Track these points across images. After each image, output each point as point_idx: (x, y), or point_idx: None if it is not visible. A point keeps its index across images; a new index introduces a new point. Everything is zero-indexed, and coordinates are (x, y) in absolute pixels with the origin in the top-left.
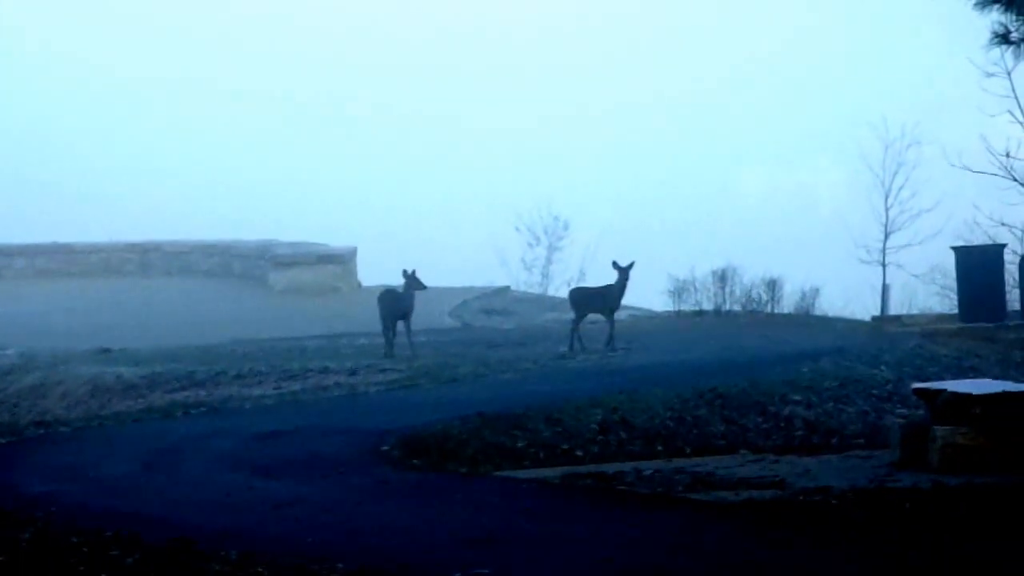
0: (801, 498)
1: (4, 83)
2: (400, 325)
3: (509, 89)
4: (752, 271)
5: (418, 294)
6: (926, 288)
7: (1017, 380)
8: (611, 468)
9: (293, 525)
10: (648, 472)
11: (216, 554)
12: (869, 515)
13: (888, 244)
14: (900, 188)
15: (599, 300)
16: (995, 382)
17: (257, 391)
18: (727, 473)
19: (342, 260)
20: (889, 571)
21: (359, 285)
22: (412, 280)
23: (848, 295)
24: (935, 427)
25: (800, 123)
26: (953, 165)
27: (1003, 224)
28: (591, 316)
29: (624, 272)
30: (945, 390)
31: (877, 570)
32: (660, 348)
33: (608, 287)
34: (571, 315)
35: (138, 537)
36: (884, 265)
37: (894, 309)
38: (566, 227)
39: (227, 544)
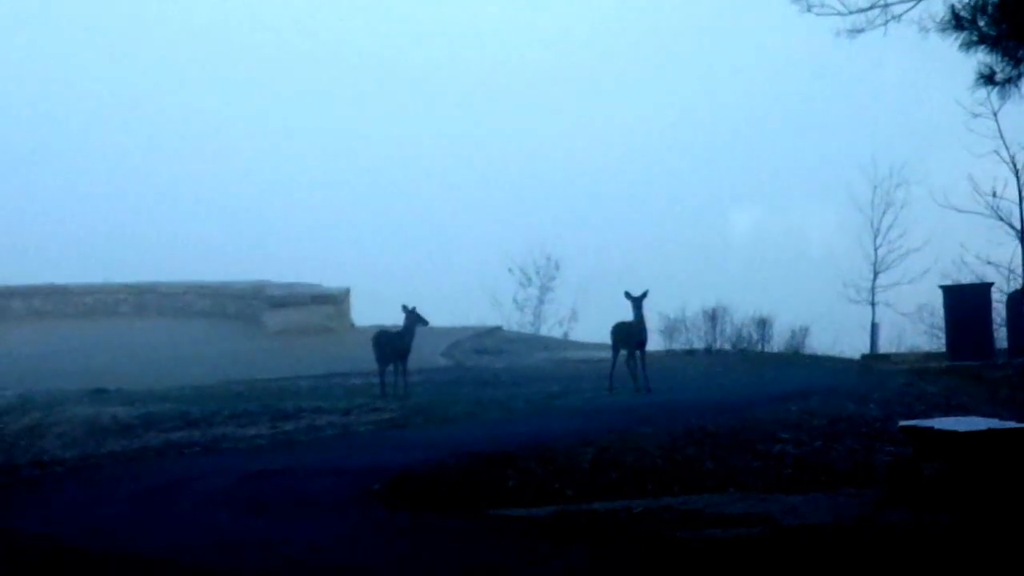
0: (789, 535)
1: None
2: (393, 364)
3: (502, 129)
4: (743, 310)
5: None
6: (915, 327)
7: (1004, 418)
8: (602, 506)
9: (284, 564)
10: (638, 510)
11: None
12: (855, 551)
13: (877, 283)
14: (889, 228)
15: (625, 335)
16: (981, 420)
17: (251, 431)
18: (716, 511)
19: (335, 300)
20: None
21: (352, 325)
22: (413, 315)
23: (837, 334)
24: (922, 464)
25: (791, 164)
26: (941, 205)
27: (990, 263)
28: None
29: (637, 302)
30: (932, 428)
31: None
32: (652, 387)
33: (630, 321)
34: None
35: None
36: (873, 304)
37: (883, 347)
38: (558, 267)
39: None
